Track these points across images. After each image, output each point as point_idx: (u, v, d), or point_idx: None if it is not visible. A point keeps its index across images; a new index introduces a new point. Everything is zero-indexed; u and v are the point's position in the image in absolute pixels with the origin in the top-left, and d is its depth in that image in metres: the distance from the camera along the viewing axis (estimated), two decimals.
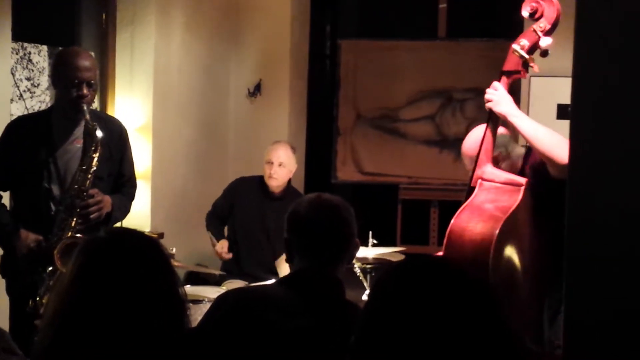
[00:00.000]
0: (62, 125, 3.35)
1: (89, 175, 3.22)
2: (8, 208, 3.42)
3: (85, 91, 3.23)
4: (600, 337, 1.55)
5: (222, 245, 4.62)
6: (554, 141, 2.82)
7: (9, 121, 4.17)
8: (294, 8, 6.16)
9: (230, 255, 4.61)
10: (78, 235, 3.16)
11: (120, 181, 3.52)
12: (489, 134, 2.99)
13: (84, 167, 3.22)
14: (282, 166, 4.65)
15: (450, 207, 6.55)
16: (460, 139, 6.63)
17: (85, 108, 3.22)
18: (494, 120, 3.00)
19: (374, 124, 6.83)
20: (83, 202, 3.20)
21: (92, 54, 3.66)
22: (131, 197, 3.62)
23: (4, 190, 3.41)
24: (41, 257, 3.15)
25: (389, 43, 6.87)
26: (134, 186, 3.63)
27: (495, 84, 3.00)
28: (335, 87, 6.89)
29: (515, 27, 5.97)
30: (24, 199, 3.35)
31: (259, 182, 4.76)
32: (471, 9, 7.34)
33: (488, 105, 2.98)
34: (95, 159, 3.22)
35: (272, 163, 4.64)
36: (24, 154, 3.31)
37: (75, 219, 3.20)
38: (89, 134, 3.24)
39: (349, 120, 6.85)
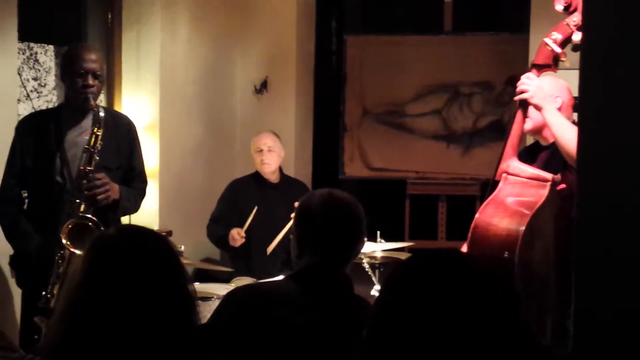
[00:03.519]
0: (70, 118, 3.39)
1: (95, 156, 3.22)
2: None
3: (91, 81, 3.28)
4: (609, 334, 1.54)
5: (238, 231, 4.63)
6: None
7: (16, 121, 4.19)
8: (300, 4, 6.15)
9: (243, 239, 4.61)
10: (86, 215, 3.15)
11: (130, 175, 3.54)
12: (516, 126, 2.94)
13: (87, 146, 3.24)
14: (272, 151, 4.81)
15: (458, 202, 6.58)
16: (467, 133, 6.72)
17: (90, 96, 3.27)
18: (524, 112, 2.95)
19: (381, 119, 6.82)
20: (90, 183, 3.20)
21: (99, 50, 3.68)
22: (141, 192, 3.63)
23: (23, 189, 3.43)
24: (52, 247, 3.16)
25: (395, 38, 6.86)
26: (144, 181, 3.65)
27: (529, 74, 2.93)
28: (341, 83, 6.88)
29: (521, 21, 5.95)
30: (37, 193, 3.38)
31: (254, 177, 4.89)
32: (477, 3, 7.32)
33: (523, 96, 2.92)
34: (100, 138, 3.23)
35: (261, 150, 4.80)
36: (35, 150, 3.35)
37: (82, 204, 3.20)
38: (94, 116, 3.27)
39: (356, 115, 6.84)
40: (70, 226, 3.10)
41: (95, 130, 3.23)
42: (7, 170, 3.43)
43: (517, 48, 5.99)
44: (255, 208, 4.65)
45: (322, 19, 6.76)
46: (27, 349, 2.54)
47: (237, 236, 4.62)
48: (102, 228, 3.05)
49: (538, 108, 2.90)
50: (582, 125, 1.59)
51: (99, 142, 3.23)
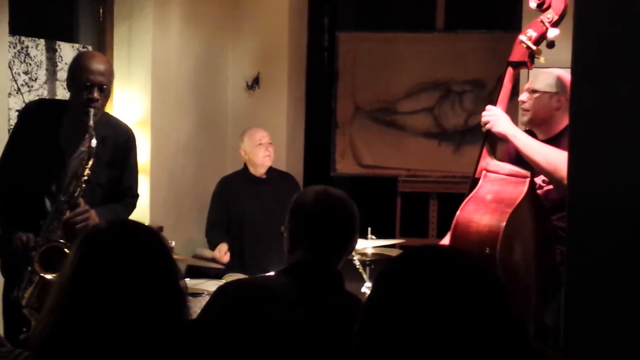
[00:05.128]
0: (71, 125, 3.29)
1: (81, 184, 3.14)
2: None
3: (96, 95, 3.17)
4: (599, 330, 1.54)
5: (220, 249, 4.61)
6: (555, 162, 2.80)
7: (6, 115, 4.17)
8: (292, 1, 6.14)
9: (227, 259, 4.61)
10: (61, 241, 3.09)
11: (119, 189, 3.47)
12: (485, 153, 2.99)
13: (76, 175, 3.16)
14: (272, 144, 4.82)
15: (449, 200, 6.57)
16: (459, 131, 6.72)
17: (91, 113, 3.15)
18: (491, 140, 3.00)
19: (373, 116, 6.82)
20: (72, 212, 3.13)
21: (109, 60, 3.59)
22: (130, 206, 3.53)
23: (15, 179, 3.36)
24: (28, 253, 3.11)
25: (388, 35, 6.86)
26: (134, 196, 3.55)
27: (489, 106, 3.00)
28: (333, 80, 6.88)
29: (514, 19, 5.96)
30: (22, 191, 3.34)
31: (242, 174, 4.88)
32: (469, 1, 7.32)
33: (487, 127, 2.98)
34: (87, 169, 3.15)
35: (262, 144, 4.77)
36: (33, 149, 3.28)
37: (61, 226, 3.13)
38: (89, 139, 3.20)
39: (348, 112, 6.84)
40: (43, 250, 3.04)
41: (84, 163, 3.13)
42: (3, 157, 3.39)
43: (510, 46, 5.95)
44: None
45: (314, 15, 6.75)
46: (10, 338, 2.52)
47: (219, 254, 4.60)
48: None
49: (502, 136, 2.95)
50: (573, 124, 1.59)
51: (86, 172, 3.14)
